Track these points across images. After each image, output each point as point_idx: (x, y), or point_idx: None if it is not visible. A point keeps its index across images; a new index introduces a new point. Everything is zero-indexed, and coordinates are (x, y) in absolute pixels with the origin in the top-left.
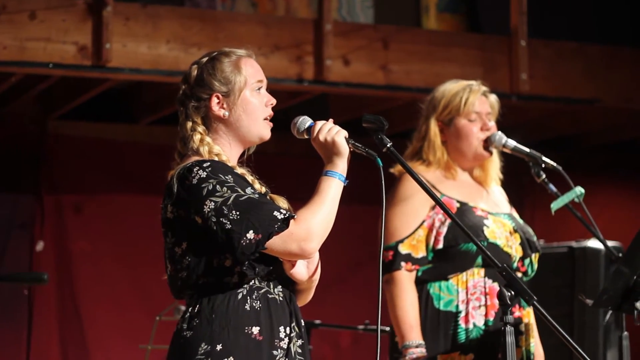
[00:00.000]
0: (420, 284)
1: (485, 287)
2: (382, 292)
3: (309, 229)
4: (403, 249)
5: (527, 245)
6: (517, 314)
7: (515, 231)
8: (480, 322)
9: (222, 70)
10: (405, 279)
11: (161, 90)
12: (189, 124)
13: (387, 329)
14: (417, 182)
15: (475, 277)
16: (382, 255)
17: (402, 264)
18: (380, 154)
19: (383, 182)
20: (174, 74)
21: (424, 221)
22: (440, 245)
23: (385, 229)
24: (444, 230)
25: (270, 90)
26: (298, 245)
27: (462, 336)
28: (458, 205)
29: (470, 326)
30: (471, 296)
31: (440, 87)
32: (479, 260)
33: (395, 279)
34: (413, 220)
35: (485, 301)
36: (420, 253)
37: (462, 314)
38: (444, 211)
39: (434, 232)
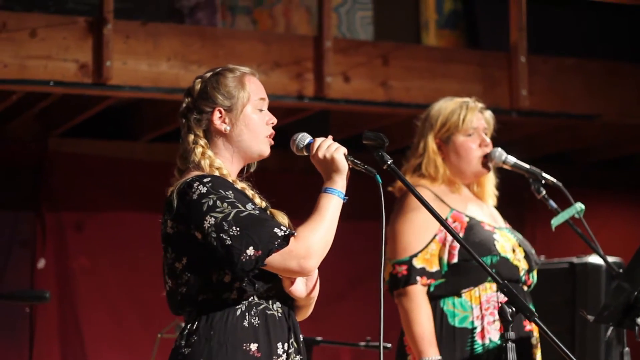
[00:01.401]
0: (433, 300)
1: (498, 302)
2: (395, 308)
3: (309, 246)
4: (417, 263)
5: (530, 259)
6: (528, 327)
7: (519, 245)
8: (496, 337)
9: (225, 84)
10: (420, 294)
11: (161, 107)
12: (191, 137)
13: (389, 345)
14: (418, 199)
15: (488, 292)
16: (395, 270)
17: (418, 278)
18: (380, 171)
19: (383, 199)
20: (175, 92)
21: (435, 235)
22: (455, 260)
23: (398, 243)
24: (458, 244)
25: (271, 107)
26: (298, 263)
27: (480, 351)
28: (467, 219)
29: (487, 342)
30: (485, 311)
31: (435, 105)
32: None
33: (410, 293)
34: (425, 234)
35: None
36: (435, 267)
37: (478, 330)
38: (444, 227)
39: (447, 247)
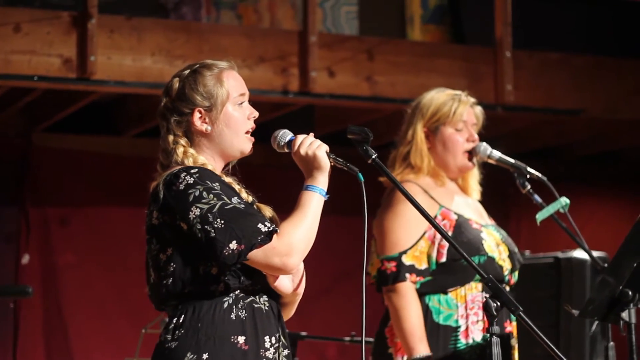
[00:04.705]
0: (419, 296)
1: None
2: (384, 304)
3: (291, 244)
4: (407, 260)
5: (514, 258)
6: (508, 328)
7: (504, 242)
8: (479, 337)
9: (204, 84)
10: (410, 291)
11: (146, 102)
12: (171, 138)
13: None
14: (405, 196)
15: (474, 292)
16: (384, 266)
17: (407, 275)
18: (365, 165)
19: (365, 197)
20: (159, 86)
21: (425, 232)
22: (443, 259)
23: (387, 239)
24: (447, 243)
25: (255, 102)
26: (280, 260)
27: (463, 350)
28: (456, 217)
29: (470, 341)
30: (470, 311)
31: (427, 94)
32: None
33: (400, 290)
34: (415, 230)
35: (483, 316)
36: (424, 264)
37: (462, 329)
38: (432, 224)
39: (436, 245)
